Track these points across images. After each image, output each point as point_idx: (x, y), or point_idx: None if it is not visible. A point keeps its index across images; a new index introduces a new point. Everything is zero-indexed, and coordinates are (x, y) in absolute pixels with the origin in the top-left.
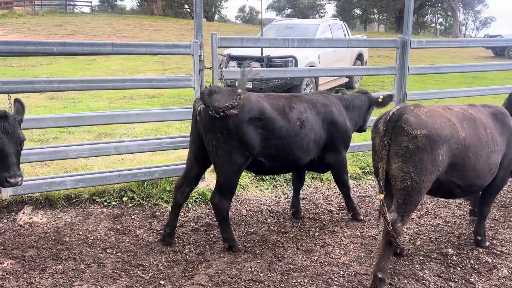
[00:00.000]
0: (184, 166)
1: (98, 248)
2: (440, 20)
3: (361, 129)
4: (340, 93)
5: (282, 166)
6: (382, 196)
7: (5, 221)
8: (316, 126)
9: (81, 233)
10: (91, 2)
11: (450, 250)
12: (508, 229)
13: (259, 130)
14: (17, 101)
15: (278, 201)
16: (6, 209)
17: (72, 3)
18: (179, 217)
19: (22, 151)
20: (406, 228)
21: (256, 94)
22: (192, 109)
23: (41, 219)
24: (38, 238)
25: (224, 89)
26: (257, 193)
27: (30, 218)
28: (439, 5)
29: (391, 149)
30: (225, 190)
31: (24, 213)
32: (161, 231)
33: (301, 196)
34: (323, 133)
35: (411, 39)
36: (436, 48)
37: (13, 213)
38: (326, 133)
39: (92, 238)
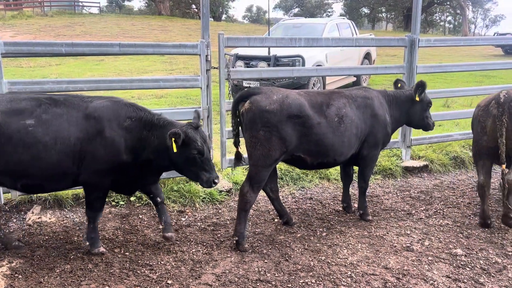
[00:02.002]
0: None
1: (106, 248)
2: (449, 18)
3: (413, 125)
4: (400, 84)
5: (324, 161)
6: (504, 166)
7: (14, 220)
8: (356, 120)
9: None
10: (99, 3)
11: (459, 251)
12: None
13: (297, 127)
14: (195, 112)
15: (286, 200)
16: (16, 209)
17: (80, 4)
18: (187, 216)
19: None
20: (415, 228)
21: (296, 92)
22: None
23: (49, 218)
24: (46, 237)
25: (264, 89)
26: (264, 193)
27: (39, 218)
28: (448, 3)
29: (509, 125)
30: (255, 182)
31: (33, 212)
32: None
33: (308, 195)
34: (364, 126)
35: (419, 38)
36: (445, 47)
37: (22, 212)
38: (366, 126)
39: (100, 237)
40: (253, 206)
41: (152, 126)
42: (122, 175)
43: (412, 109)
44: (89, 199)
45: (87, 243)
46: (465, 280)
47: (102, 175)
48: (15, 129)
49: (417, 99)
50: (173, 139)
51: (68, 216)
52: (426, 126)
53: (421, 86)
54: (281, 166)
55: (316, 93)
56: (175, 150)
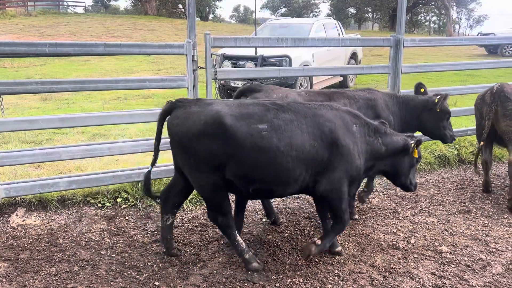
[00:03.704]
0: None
1: (92, 250)
2: (434, 18)
3: (427, 133)
4: (422, 89)
5: None
6: (482, 143)
7: None
8: None
9: (74, 234)
10: (84, 2)
11: (444, 248)
12: (502, 226)
13: None
14: None
15: (273, 200)
16: None
17: (65, 3)
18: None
19: (14, 153)
20: (401, 226)
21: (296, 91)
22: None
23: (34, 221)
24: (31, 240)
25: (265, 87)
26: None
27: (23, 220)
28: (433, 3)
29: (499, 112)
30: None
31: (17, 215)
32: (155, 232)
33: (296, 195)
34: None
35: (404, 38)
36: (430, 47)
37: (6, 215)
38: None
39: (86, 239)
40: None
41: (375, 131)
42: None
43: (425, 115)
44: (336, 214)
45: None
46: (450, 277)
47: (342, 183)
48: (247, 133)
49: (438, 110)
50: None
51: (53, 218)
52: (442, 137)
53: (443, 97)
54: None
55: (316, 93)
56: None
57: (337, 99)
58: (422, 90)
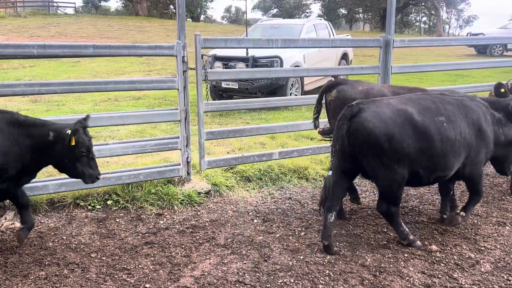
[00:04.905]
0: (169, 168)
1: (82, 253)
2: (424, 19)
3: None
4: (503, 90)
5: None
6: None
7: None
8: None
9: (64, 237)
10: (74, 3)
11: (434, 247)
12: (490, 225)
13: None
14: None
15: (265, 201)
16: None
17: (55, 4)
18: (165, 218)
19: None
20: None
21: (380, 85)
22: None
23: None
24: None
25: (350, 81)
26: (244, 194)
27: (12, 224)
28: (423, 4)
29: None
30: None
31: (6, 218)
32: (146, 234)
33: (287, 195)
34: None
35: (394, 39)
36: (420, 47)
37: None
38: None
39: (76, 242)
40: (233, 207)
41: (498, 121)
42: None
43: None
44: (475, 189)
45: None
46: (439, 276)
47: (482, 164)
48: (434, 126)
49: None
50: None
51: (42, 221)
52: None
53: None
54: (260, 166)
55: (399, 88)
56: None
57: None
58: (502, 90)
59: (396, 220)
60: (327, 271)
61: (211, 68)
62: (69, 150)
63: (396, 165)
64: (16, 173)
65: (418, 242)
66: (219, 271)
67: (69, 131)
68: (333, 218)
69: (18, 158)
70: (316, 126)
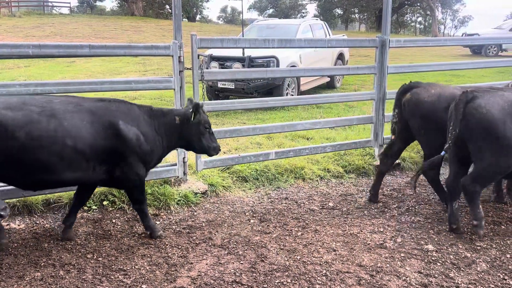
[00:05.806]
0: (165, 168)
1: (78, 254)
2: (420, 19)
3: None
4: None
5: None
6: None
7: None
8: None
9: (60, 238)
10: (69, 3)
11: (430, 246)
12: (486, 224)
13: None
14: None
15: (261, 201)
16: None
17: (50, 4)
18: (162, 219)
19: None
20: (388, 225)
21: (452, 86)
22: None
23: (18, 225)
24: (16, 245)
25: (423, 84)
26: (240, 194)
27: (7, 225)
28: (418, 4)
29: None
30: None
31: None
32: (142, 234)
33: (283, 195)
34: None
35: (390, 39)
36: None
37: None
38: None
39: (71, 243)
40: (229, 207)
41: None
42: None
43: None
44: None
45: None
46: (436, 275)
47: None
48: None
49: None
50: None
51: (38, 222)
52: None
53: None
54: (256, 166)
55: (460, 88)
56: None
57: None
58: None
59: (476, 201)
60: (324, 271)
61: (207, 68)
62: (195, 128)
63: (500, 151)
64: (157, 159)
65: (482, 232)
66: (216, 272)
67: (191, 110)
68: (457, 205)
69: (159, 144)
70: (394, 132)
